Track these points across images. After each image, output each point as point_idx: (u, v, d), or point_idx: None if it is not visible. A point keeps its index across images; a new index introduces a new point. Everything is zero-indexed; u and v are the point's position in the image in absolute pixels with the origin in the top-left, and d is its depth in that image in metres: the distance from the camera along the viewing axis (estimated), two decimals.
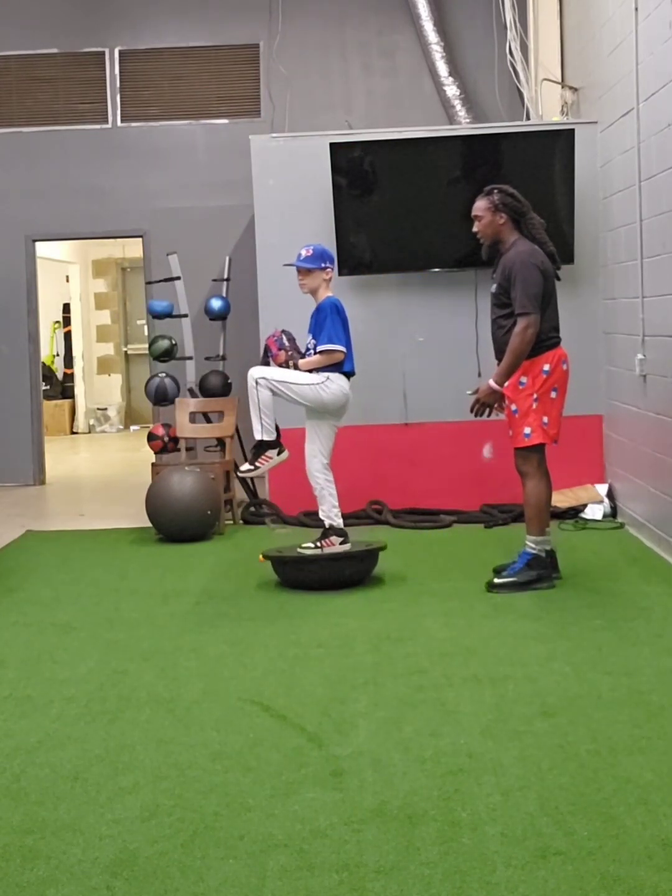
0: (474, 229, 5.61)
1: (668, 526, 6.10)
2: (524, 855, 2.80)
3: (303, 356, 5.89)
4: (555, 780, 3.25)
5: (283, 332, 5.99)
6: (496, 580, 5.55)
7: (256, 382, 5.69)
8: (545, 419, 5.48)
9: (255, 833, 2.98)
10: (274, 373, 5.77)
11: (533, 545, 5.54)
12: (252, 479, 7.95)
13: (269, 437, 5.74)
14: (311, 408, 5.84)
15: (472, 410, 5.49)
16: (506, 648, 4.59)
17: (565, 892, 2.62)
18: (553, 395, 5.50)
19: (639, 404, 6.65)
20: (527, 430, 5.47)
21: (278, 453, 5.78)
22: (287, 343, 5.93)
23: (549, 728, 3.67)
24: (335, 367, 5.80)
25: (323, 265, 5.88)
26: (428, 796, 3.16)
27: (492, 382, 5.41)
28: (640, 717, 3.74)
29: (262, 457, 5.76)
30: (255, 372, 5.75)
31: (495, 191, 5.53)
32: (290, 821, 3.04)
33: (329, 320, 5.77)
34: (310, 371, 5.79)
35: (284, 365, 5.85)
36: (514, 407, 5.49)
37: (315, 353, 5.81)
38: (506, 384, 5.41)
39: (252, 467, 5.81)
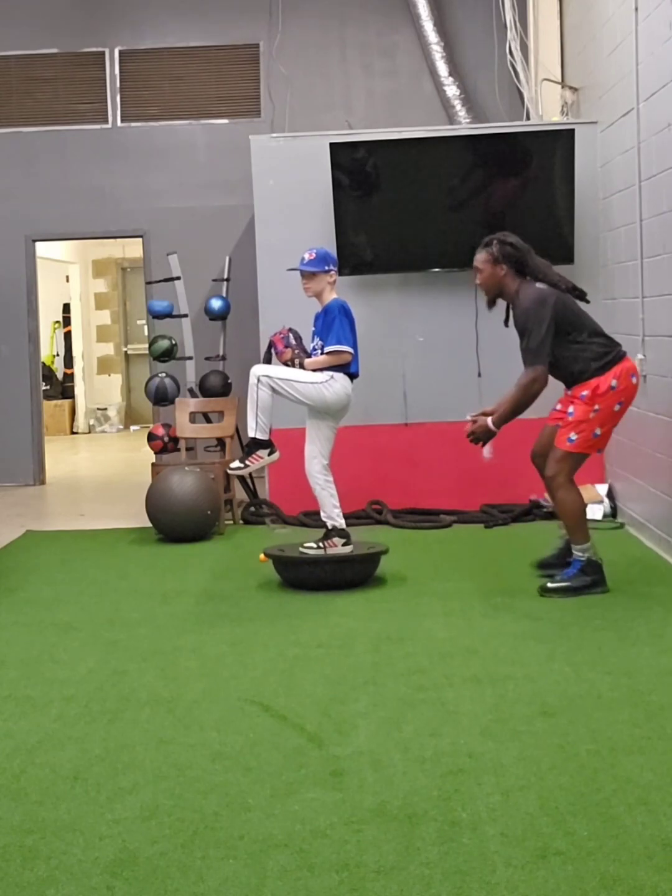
0: (476, 282, 5.49)
1: (668, 526, 6.10)
2: (524, 855, 2.80)
3: (308, 356, 5.88)
4: (555, 780, 3.25)
5: (291, 330, 5.95)
6: (550, 585, 5.40)
7: (258, 380, 5.66)
8: (598, 430, 5.35)
9: (255, 833, 2.97)
10: (277, 371, 5.74)
11: (580, 553, 5.39)
12: (251, 478, 7.95)
13: (263, 436, 5.71)
14: (313, 408, 5.83)
15: (467, 436, 5.44)
16: (506, 648, 4.59)
17: (565, 892, 2.62)
18: (616, 408, 5.36)
19: (639, 404, 6.62)
20: (572, 435, 5.33)
21: (269, 454, 5.75)
22: (293, 341, 5.90)
23: (549, 728, 3.67)
24: (340, 368, 5.79)
25: (327, 268, 5.86)
26: (428, 796, 3.16)
27: (490, 422, 5.34)
28: (640, 717, 3.74)
29: (253, 456, 5.74)
30: (258, 370, 5.72)
31: (494, 242, 5.37)
32: (290, 821, 3.04)
33: (337, 321, 5.74)
34: (315, 371, 5.78)
35: (289, 363, 5.82)
36: (571, 409, 5.36)
37: (322, 354, 5.81)
38: (502, 427, 5.34)
39: (242, 465, 5.78)
